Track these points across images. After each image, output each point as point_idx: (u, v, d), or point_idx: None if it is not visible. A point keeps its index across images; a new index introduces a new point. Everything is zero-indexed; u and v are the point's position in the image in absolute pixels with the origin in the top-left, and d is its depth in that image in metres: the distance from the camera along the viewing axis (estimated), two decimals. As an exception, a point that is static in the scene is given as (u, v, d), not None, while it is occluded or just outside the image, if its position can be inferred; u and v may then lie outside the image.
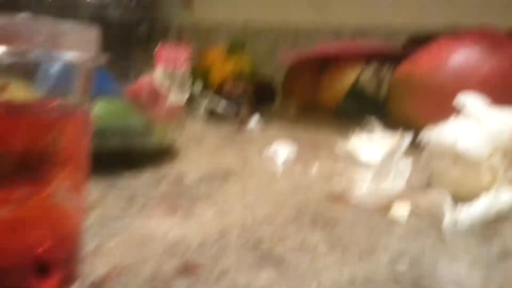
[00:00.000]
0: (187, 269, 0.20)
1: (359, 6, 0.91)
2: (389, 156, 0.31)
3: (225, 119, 0.62)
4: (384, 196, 0.29)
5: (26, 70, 0.16)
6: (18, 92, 0.16)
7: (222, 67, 0.85)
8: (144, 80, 0.38)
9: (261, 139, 0.50)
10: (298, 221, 0.26)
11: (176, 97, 0.39)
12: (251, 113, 0.60)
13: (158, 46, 0.36)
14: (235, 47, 0.89)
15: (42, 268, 0.15)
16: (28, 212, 0.15)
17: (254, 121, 0.59)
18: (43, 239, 0.16)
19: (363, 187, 0.30)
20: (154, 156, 0.39)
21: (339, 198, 0.31)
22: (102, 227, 0.24)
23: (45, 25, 0.15)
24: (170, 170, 0.36)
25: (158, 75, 0.37)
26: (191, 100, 0.65)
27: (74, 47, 0.16)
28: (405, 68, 0.52)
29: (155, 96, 0.38)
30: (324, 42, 0.88)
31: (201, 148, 0.45)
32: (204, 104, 0.65)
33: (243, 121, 0.59)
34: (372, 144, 0.42)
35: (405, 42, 0.75)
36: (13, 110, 0.16)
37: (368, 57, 0.69)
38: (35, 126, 0.16)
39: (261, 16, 1.01)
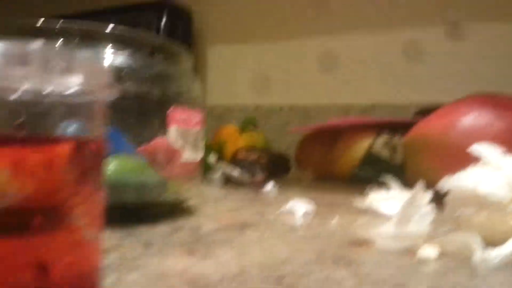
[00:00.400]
0: (207, 297, 0.19)
1: (366, 86, 0.95)
2: (411, 202, 0.31)
3: (240, 186, 0.62)
4: (409, 239, 0.28)
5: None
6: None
7: (235, 142, 0.87)
8: (158, 140, 0.39)
9: (278, 201, 0.50)
10: (320, 261, 0.25)
11: (190, 155, 0.40)
12: (266, 179, 0.60)
13: (171, 108, 0.38)
14: (247, 124, 0.92)
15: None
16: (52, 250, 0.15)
17: (269, 187, 0.59)
18: (66, 275, 0.16)
19: (387, 231, 0.30)
20: (170, 211, 0.38)
21: (362, 243, 0.30)
22: (121, 265, 0.23)
23: (61, 53, 0.16)
24: (186, 223, 0.35)
25: (172, 134, 0.38)
26: (206, 169, 0.66)
27: (88, 77, 0.16)
28: (418, 129, 0.52)
29: (170, 154, 0.39)
30: (333, 118, 0.91)
31: (218, 207, 0.45)
32: (219, 172, 0.65)
33: (259, 186, 0.59)
34: (390, 199, 0.42)
35: (414, 114, 0.76)
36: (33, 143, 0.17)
37: (378, 128, 0.70)
38: (52, 158, 0.16)
39: (272, 100, 1.05)
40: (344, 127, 0.73)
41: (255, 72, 1.07)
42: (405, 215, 0.30)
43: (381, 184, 0.48)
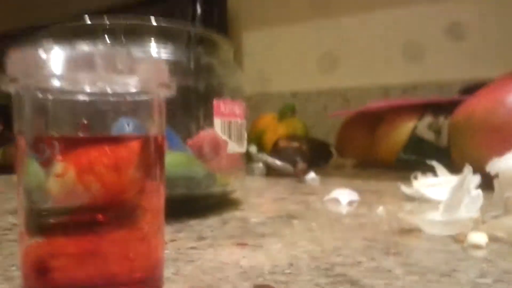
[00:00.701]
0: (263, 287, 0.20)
1: (406, 65, 0.92)
2: (459, 187, 0.30)
3: (282, 176, 0.63)
4: (458, 225, 0.28)
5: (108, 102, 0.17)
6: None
7: (274, 130, 0.87)
8: (204, 133, 0.40)
9: (321, 190, 0.50)
10: (370, 250, 0.25)
11: (235, 147, 0.41)
12: (307, 168, 0.61)
13: (215, 100, 0.39)
14: (286, 112, 0.92)
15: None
16: (133, 247, 0.17)
17: (311, 176, 0.59)
18: (145, 265, 0.17)
19: (435, 218, 0.29)
20: (217, 203, 0.40)
21: (411, 231, 0.30)
22: (177, 258, 0.24)
23: (122, 55, 0.17)
24: (234, 215, 0.36)
25: (217, 127, 0.39)
26: (248, 160, 0.67)
27: (149, 76, 0.17)
28: (464, 109, 0.51)
29: (216, 146, 0.40)
30: (373, 100, 0.89)
31: (262, 198, 0.46)
32: (260, 162, 0.66)
33: (301, 176, 0.59)
34: (437, 185, 0.41)
35: (459, 93, 0.74)
36: (100, 142, 0.18)
37: (422, 109, 0.68)
38: (119, 157, 0.17)
39: (309, 85, 1.04)
40: (385, 109, 0.72)
41: (291, 57, 1.07)
42: (453, 201, 0.30)
43: (427, 169, 0.47)
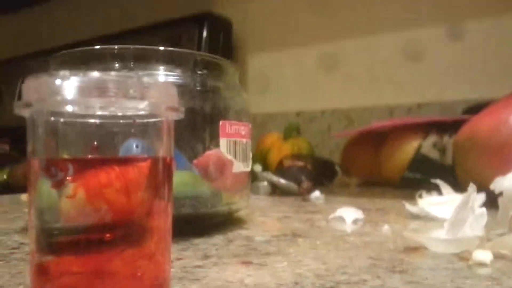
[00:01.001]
0: (267, 306, 0.20)
1: (411, 84, 0.93)
2: (463, 205, 0.31)
3: (287, 194, 0.63)
4: (463, 243, 0.28)
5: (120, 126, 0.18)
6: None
7: (279, 149, 0.88)
8: (210, 153, 0.40)
9: (326, 208, 0.50)
10: (375, 268, 0.25)
11: (240, 166, 0.41)
12: (312, 187, 0.61)
13: (221, 121, 0.39)
14: (291, 131, 0.93)
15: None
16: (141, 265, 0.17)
17: (316, 195, 0.59)
18: (145, 286, 0.18)
19: (440, 236, 0.29)
20: (222, 222, 0.40)
21: (416, 249, 0.30)
22: (183, 277, 0.24)
23: (133, 81, 0.18)
24: (239, 233, 0.36)
25: (222, 147, 0.40)
26: (253, 179, 0.68)
27: (158, 100, 0.18)
28: (468, 128, 0.51)
29: (221, 166, 0.40)
30: (377, 120, 0.90)
31: (267, 217, 0.46)
32: (265, 181, 0.66)
33: (305, 194, 0.59)
34: (442, 203, 0.41)
35: (463, 112, 0.75)
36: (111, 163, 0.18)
37: (427, 128, 0.69)
38: (128, 178, 0.17)
39: (313, 104, 1.05)
40: (390, 129, 0.72)
41: (295, 78, 1.08)
42: (458, 219, 0.30)
43: (432, 187, 0.47)
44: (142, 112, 0.17)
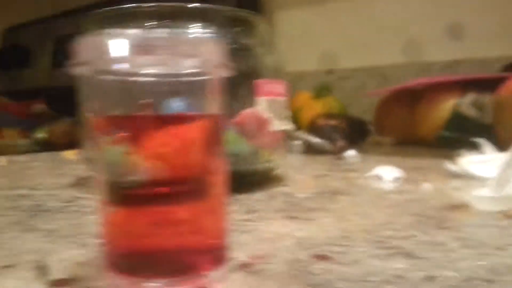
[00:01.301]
0: (320, 257, 0.20)
1: (448, 41, 0.90)
2: (508, 163, 0.30)
3: (320, 153, 0.63)
4: (507, 201, 0.28)
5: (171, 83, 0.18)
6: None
7: (311, 109, 0.87)
8: (248, 112, 0.41)
9: (361, 167, 0.50)
10: (421, 224, 0.26)
11: (277, 125, 0.41)
12: (346, 145, 0.61)
13: (258, 80, 0.39)
14: (322, 90, 0.92)
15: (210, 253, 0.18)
16: (202, 218, 0.18)
17: (350, 153, 0.59)
18: (213, 233, 0.19)
19: (485, 194, 0.29)
20: (262, 179, 0.40)
21: (460, 206, 0.30)
22: (233, 229, 0.25)
23: (184, 38, 0.18)
24: (278, 190, 0.37)
25: (260, 106, 0.40)
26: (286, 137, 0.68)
27: (209, 57, 0.18)
28: (509, 86, 0.50)
29: (259, 124, 0.41)
30: (413, 78, 0.88)
31: (304, 175, 0.46)
32: (298, 140, 0.66)
33: (339, 153, 0.59)
34: (484, 162, 0.41)
35: (502, 69, 0.72)
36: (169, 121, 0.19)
37: (464, 86, 0.67)
38: (190, 135, 0.18)
39: (345, 63, 1.03)
40: (426, 87, 0.71)
41: (326, 36, 1.06)
42: (503, 177, 0.29)
43: (470, 146, 0.46)
44: (194, 70, 0.17)
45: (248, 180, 0.39)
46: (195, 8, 0.37)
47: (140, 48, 0.16)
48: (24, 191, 0.37)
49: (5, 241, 0.23)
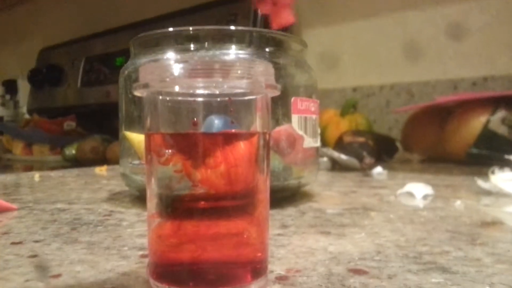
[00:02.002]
0: (356, 272, 0.21)
1: (476, 57, 0.89)
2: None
3: (347, 170, 0.63)
4: (546, 219, 0.28)
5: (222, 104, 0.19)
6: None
7: (337, 126, 0.88)
8: (282, 128, 0.41)
9: (390, 184, 0.50)
10: (455, 241, 0.26)
11: (309, 142, 0.42)
12: (374, 162, 0.61)
13: (293, 98, 0.40)
14: (348, 107, 0.92)
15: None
16: (250, 231, 0.19)
17: (378, 170, 0.59)
18: (258, 247, 0.19)
19: (519, 211, 0.29)
20: (293, 195, 0.41)
21: (493, 223, 0.30)
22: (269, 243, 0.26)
23: (238, 61, 0.19)
24: (310, 206, 0.38)
25: (294, 122, 0.40)
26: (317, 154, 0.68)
27: (260, 78, 0.18)
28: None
29: (293, 141, 0.41)
30: (440, 95, 0.87)
31: (333, 191, 0.47)
32: (325, 157, 0.67)
33: (367, 170, 0.59)
34: (516, 179, 0.40)
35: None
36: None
37: (494, 103, 0.66)
38: (246, 151, 0.19)
39: (371, 80, 1.03)
40: (455, 104, 0.70)
41: (352, 53, 1.06)
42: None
43: (500, 163, 0.46)
44: (246, 90, 0.18)
45: (279, 196, 0.39)
46: (231, 30, 0.38)
47: (196, 71, 0.17)
48: (62, 205, 0.38)
49: (50, 253, 0.24)
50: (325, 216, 0.33)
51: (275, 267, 0.21)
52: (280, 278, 0.20)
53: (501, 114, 0.63)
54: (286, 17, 0.19)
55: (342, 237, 0.27)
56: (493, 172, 0.43)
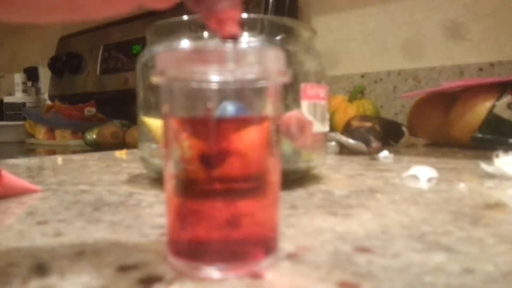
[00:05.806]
0: (362, 250, 0.22)
1: (483, 43, 0.89)
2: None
3: (355, 154, 0.65)
4: (546, 201, 0.29)
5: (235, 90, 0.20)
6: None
7: (345, 111, 0.88)
8: (292, 114, 0.42)
9: (396, 167, 0.51)
10: (458, 222, 0.27)
11: (318, 127, 0.43)
12: (381, 146, 0.62)
13: (303, 84, 0.41)
14: (356, 93, 0.93)
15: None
16: (263, 212, 0.20)
17: (385, 154, 0.60)
18: (269, 226, 0.21)
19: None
20: (301, 178, 0.42)
21: (496, 205, 0.31)
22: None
23: (249, 48, 0.20)
24: (318, 188, 0.39)
25: (304, 108, 0.41)
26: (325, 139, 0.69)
27: (271, 65, 0.19)
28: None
29: (302, 126, 0.42)
30: (446, 80, 0.87)
31: (341, 174, 0.48)
32: (333, 141, 0.68)
33: (374, 154, 0.60)
34: (520, 163, 0.41)
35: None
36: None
37: (500, 88, 0.67)
38: (259, 135, 0.20)
39: (378, 66, 1.03)
40: (461, 89, 0.71)
41: (360, 39, 1.06)
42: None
43: (506, 147, 0.47)
44: (258, 77, 0.19)
45: (289, 178, 0.41)
46: (243, 18, 0.39)
47: (210, 58, 0.18)
48: (85, 187, 0.40)
49: (73, 231, 0.26)
50: (332, 198, 0.35)
51: (285, 245, 0.23)
52: (290, 256, 0.21)
53: (506, 99, 0.63)
54: (231, 30, 0.20)
55: (349, 217, 0.28)
56: (497, 156, 0.43)
